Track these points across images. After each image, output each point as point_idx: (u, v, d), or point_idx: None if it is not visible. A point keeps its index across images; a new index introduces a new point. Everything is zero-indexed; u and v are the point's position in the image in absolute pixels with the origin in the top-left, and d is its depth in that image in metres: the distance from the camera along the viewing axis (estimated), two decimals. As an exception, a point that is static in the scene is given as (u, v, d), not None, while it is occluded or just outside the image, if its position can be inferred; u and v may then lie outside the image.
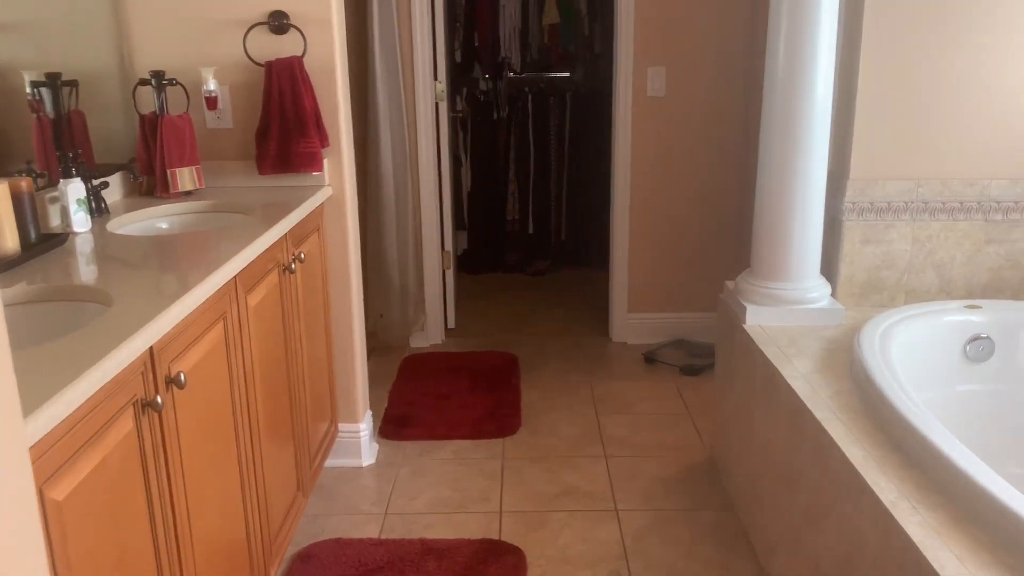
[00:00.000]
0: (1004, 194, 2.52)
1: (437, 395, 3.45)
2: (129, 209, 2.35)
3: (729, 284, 2.70)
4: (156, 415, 1.43)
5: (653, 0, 3.62)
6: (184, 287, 1.56)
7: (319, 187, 2.62)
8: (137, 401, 1.37)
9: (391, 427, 3.19)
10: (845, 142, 2.52)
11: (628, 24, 3.65)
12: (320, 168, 2.60)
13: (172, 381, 1.48)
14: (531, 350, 3.94)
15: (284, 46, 2.57)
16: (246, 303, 1.92)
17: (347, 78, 2.72)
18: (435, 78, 3.81)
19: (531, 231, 5.11)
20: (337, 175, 2.70)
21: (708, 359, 3.69)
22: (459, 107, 4.80)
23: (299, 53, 2.55)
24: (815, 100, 2.36)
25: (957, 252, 2.58)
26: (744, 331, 2.46)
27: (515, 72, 4.97)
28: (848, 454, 1.72)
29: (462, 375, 3.65)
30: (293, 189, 2.59)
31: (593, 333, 4.15)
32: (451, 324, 4.17)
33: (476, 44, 4.86)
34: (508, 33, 4.84)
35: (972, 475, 1.50)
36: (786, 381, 2.10)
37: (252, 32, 2.54)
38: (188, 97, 2.53)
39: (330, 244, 2.74)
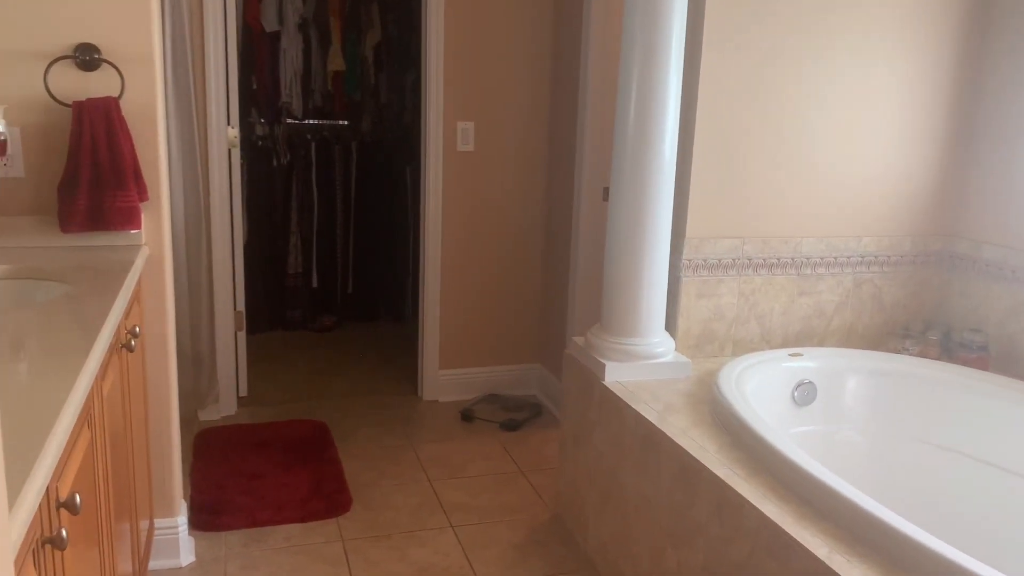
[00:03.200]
0: (813, 250, 2.80)
1: (248, 475, 3.10)
2: None
3: (578, 340, 2.72)
4: (59, 554, 1.11)
5: (461, 57, 3.62)
6: (62, 384, 1.24)
7: (136, 247, 2.26)
8: (37, 542, 1.05)
9: (204, 516, 2.81)
10: (682, 203, 2.66)
11: (438, 79, 3.61)
12: (139, 225, 2.25)
13: (64, 506, 1.16)
14: (338, 415, 3.69)
15: (92, 84, 2.20)
16: (102, 392, 1.58)
17: (166, 123, 2.40)
18: (228, 123, 3.50)
19: (315, 285, 4.84)
20: (156, 233, 2.35)
21: (525, 413, 3.70)
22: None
23: (114, 93, 2.20)
24: (663, 165, 2.46)
25: (775, 304, 2.81)
26: (606, 388, 2.48)
27: (295, 118, 4.72)
28: (765, 511, 1.77)
29: (270, 449, 3.32)
30: (105, 250, 2.22)
31: (400, 392, 3.99)
32: (243, 392, 3.80)
33: (254, 87, 4.54)
34: (289, 78, 4.59)
35: (891, 524, 1.60)
36: (671, 439, 2.13)
37: (55, 67, 2.15)
38: (-31, 139, 2.08)
39: (147, 312, 2.37)
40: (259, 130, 4.68)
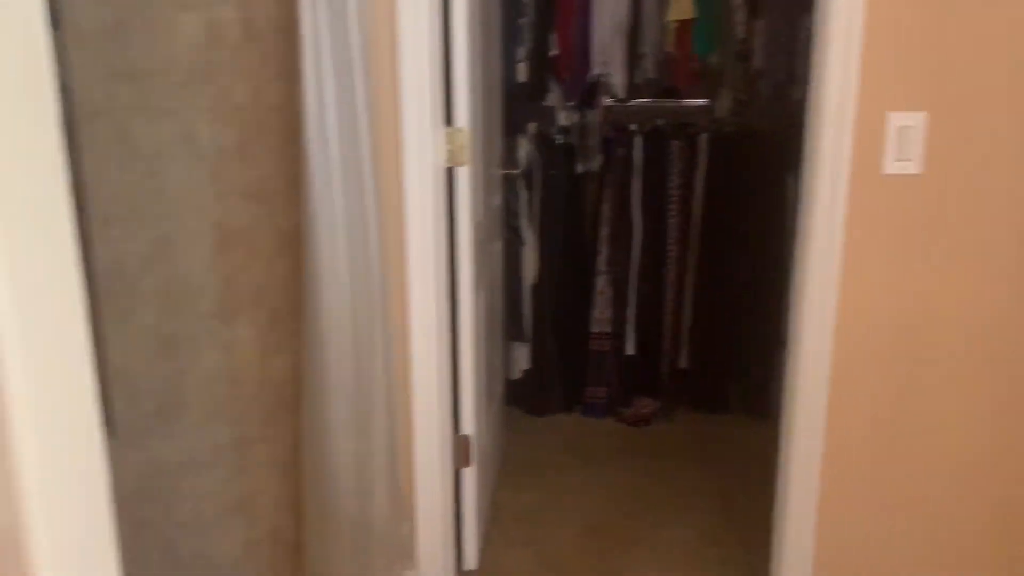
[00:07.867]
0: None
1: None
2: None
3: None
4: None
5: (909, -34, 1.68)
6: None
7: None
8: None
9: None
10: None
11: (852, 28, 1.70)
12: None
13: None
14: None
15: None
16: None
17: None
18: (447, 121, 1.97)
19: (630, 352, 3.19)
20: None
21: None
22: (520, 156, 2.95)
23: None
24: None
25: None
26: None
27: (617, 98, 3.08)
28: None
29: None
30: None
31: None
32: (471, 563, 2.32)
33: (555, 53, 2.98)
34: (607, 35, 2.94)
35: None
36: None
37: None
38: None
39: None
40: (562, 119, 3.11)
